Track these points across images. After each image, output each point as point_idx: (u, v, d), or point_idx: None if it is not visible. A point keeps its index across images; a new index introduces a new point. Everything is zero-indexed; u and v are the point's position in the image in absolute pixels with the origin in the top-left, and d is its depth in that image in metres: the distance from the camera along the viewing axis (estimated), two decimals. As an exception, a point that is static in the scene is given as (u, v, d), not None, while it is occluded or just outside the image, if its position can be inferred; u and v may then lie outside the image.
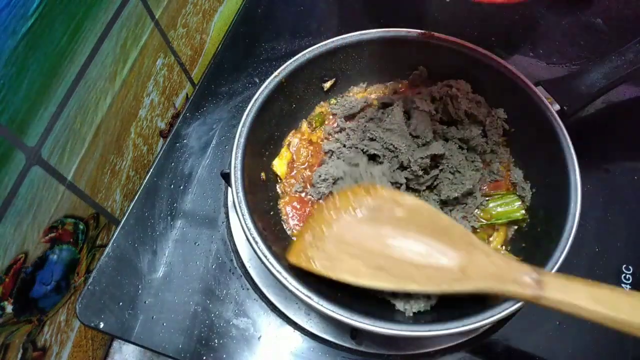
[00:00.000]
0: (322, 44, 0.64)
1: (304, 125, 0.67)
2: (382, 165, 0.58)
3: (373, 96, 0.69)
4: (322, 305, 0.47)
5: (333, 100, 0.69)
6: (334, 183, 0.59)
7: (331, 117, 0.68)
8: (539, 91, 0.60)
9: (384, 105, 0.65)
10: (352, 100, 0.67)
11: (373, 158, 0.60)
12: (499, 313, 0.46)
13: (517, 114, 0.62)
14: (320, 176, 0.59)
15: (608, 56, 0.65)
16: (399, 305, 0.51)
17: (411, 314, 0.51)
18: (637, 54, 0.64)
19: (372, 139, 0.59)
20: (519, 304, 0.46)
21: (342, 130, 0.64)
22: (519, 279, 0.45)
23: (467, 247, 0.49)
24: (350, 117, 0.67)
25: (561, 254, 0.49)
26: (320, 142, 0.65)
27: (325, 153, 0.63)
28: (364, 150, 0.59)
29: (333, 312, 0.47)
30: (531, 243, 0.56)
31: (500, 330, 0.58)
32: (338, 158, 0.61)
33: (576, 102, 0.63)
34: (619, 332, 0.41)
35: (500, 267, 0.47)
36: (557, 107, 0.61)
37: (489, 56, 0.63)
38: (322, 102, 0.69)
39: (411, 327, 0.47)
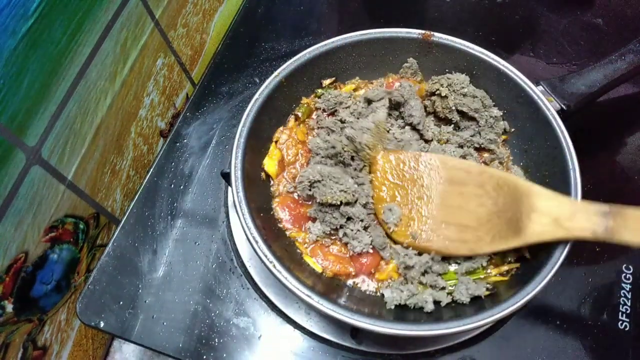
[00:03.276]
0: (322, 44, 0.64)
1: (291, 121, 0.65)
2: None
3: (361, 92, 0.68)
4: (322, 305, 0.47)
5: (320, 91, 0.67)
6: (310, 186, 0.56)
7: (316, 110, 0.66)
8: (539, 91, 0.60)
9: (368, 101, 0.64)
10: (337, 95, 0.65)
11: (352, 159, 0.58)
12: (498, 313, 0.46)
13: (517, 113, 0.62)
14: (300, 179, 0.57)
15: (608, 56, 0.65)
16: (387, 294, 0.52)
17: (392, 307, 0.51)
18: (637, 54, 0.64)
19: (349, 139, 0.58)
20: (519, 304, 0.46)
21: (322, 127, 0.63)
22: (587, 220, 0.45)
23: (523, 198, 0.49)
24: (333, 113, 0.65)
25: (561, 254, 0.49)
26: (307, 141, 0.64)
27: (310, 151, 0.61)
28: (340, 153, 0.58)
29: (333, 311, 0.47)
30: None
31: (500, 330, 0.58)
32: (322, 158, 0.59)
33: (576, 102, 0.62)
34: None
35: (565, 209, 0.47)
36: (558, 106, 0.61)
37: (489, 55, 0.63)
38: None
39: (411, 327, 0.47)
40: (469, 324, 0.46)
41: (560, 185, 0.54)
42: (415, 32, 0.65)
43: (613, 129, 0.76)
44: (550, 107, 0.58)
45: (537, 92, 0.60)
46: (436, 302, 0.51)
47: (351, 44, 0.65)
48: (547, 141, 0.58)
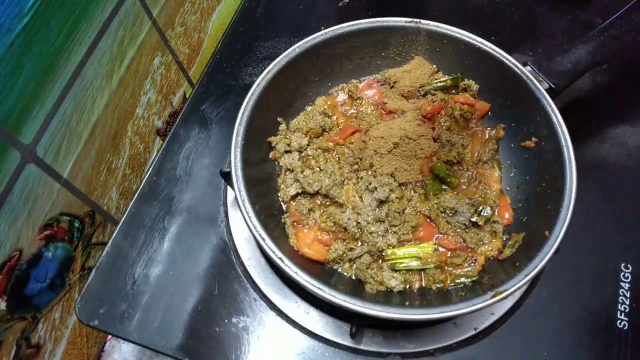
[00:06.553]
0: (313, 36, 0.64)
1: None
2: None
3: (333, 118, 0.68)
4: (334, 296, 0.48)
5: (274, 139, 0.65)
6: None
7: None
8: (527, 71, 0.61)
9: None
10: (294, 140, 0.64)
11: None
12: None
13: (508, 94, 0.63)
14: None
15: (592, 33, 0.65)
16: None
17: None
18: (619, 29, 0.64)
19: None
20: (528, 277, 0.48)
21: (291, 151, 0.64)
22: None
23: None
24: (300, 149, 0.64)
25: (561, 227, 0.50)
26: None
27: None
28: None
29: (345, 301, 0.47)
30: (524, 241, 0.56)
31: (499, 329, 0.58)
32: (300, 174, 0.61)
33: (563, 80, 0.63)
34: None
35: None
36: (546, 85, 0.62)
37: (476, 39, 0.64)
38: (320, 96, 0.69)
39: (415, 311, 0.48)
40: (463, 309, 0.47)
41: (554, 164, 0.56)
42: (402, 20, 0.66)
43: (604, 103, 0.76)
44: (539, 86, 0.60)
45: (525, 72, 0.61)
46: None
47: (340, 35, 0.65)
48: (539, 120, 0.59)
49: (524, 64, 0.62)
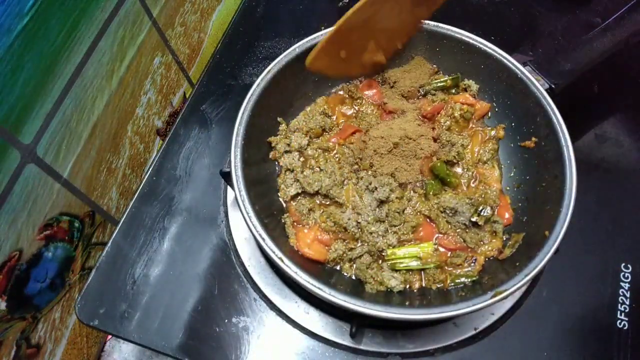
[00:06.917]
0: (311, 37, 0.64)
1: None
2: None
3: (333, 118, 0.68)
4: (334, 296, 0.48)
5: (274, 139, 0.64)
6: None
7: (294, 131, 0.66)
8: (527, 71, 0.61)
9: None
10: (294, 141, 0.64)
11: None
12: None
13: (508, 95, 0.63)
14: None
15: (592, 33, 0.65)
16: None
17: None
18: (619, 29, 0.65)
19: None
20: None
21: (291, 151, 0.64)
22: None
23: None
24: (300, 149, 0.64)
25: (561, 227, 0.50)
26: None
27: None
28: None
29: (345, 302, 0.48)
30: (524, 241, 0.56)
31: (499, 329, 0.58)
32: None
33: (563, 80, 0.63)
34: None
35: None
36: (546, 85, 0.62)
37: (476, 39, 0.64)
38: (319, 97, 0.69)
39: (413, 311, 0.48)
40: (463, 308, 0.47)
41: (554, 161, 0.56)
42: None
43: (604, 104, 0.77)
44: (539, 86, 0.60)
45: (525, 72, 0.61)
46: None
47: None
48: (540, 120, 0.59)
49: (524, 64, 0.62)
